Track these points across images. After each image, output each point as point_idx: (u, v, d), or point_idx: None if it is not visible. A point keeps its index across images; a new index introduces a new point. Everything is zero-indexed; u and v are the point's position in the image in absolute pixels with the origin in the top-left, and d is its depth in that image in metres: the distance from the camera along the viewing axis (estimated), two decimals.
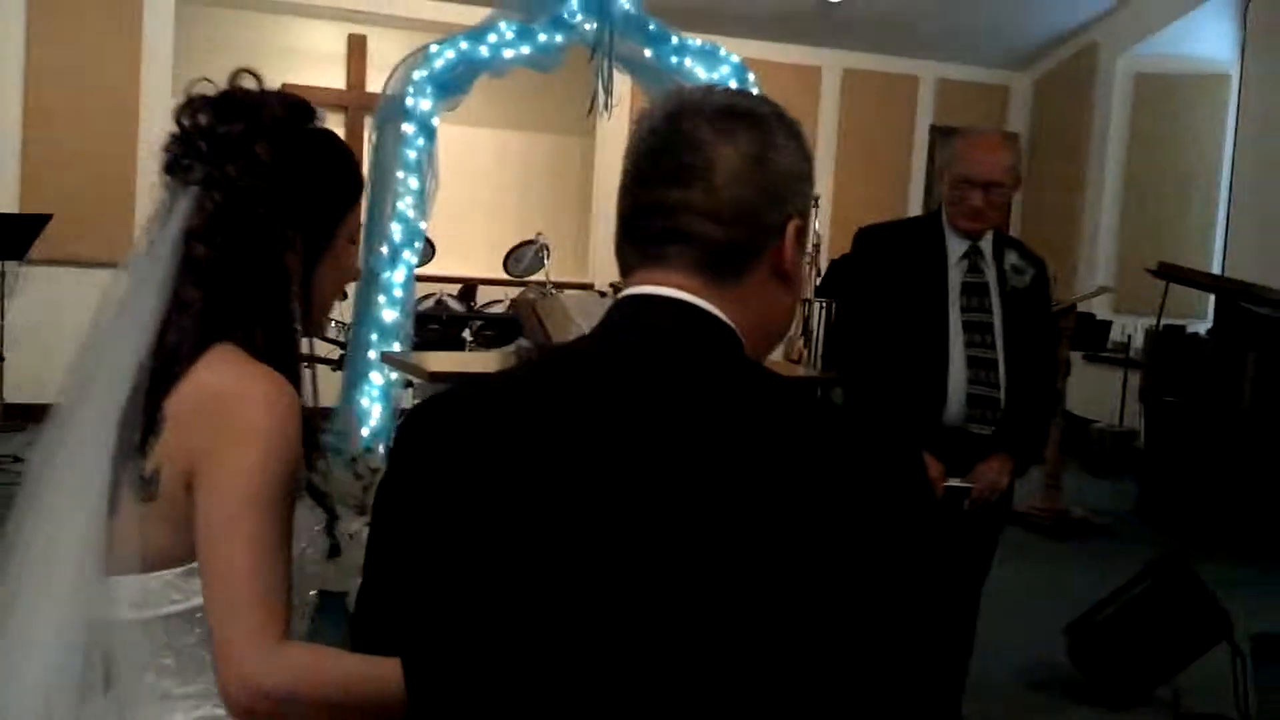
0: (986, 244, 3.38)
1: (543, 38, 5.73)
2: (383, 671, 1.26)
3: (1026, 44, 10.33)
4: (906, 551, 1.08)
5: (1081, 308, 7.55)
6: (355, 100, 9.17)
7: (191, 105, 1.54)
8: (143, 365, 1.46)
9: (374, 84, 8.09)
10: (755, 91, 1.16)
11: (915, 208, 10.14)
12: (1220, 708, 4.21)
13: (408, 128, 5.60)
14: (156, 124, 7.18)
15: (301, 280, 1.57)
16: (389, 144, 5.66)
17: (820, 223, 9.56)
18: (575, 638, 1.07)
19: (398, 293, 5.66)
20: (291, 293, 1.56)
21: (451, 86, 5.73)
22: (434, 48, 5.70)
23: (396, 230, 5.64)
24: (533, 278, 7.59)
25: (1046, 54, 10.48)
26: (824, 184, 10.03)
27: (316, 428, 1.55)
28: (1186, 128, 9.72)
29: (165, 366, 1.47)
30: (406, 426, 1.23)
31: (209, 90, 1.55)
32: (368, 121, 7.01)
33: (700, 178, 1.15)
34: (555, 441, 1.11)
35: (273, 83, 1.57)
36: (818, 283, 9.02)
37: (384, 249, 5.62)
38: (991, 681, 4.17)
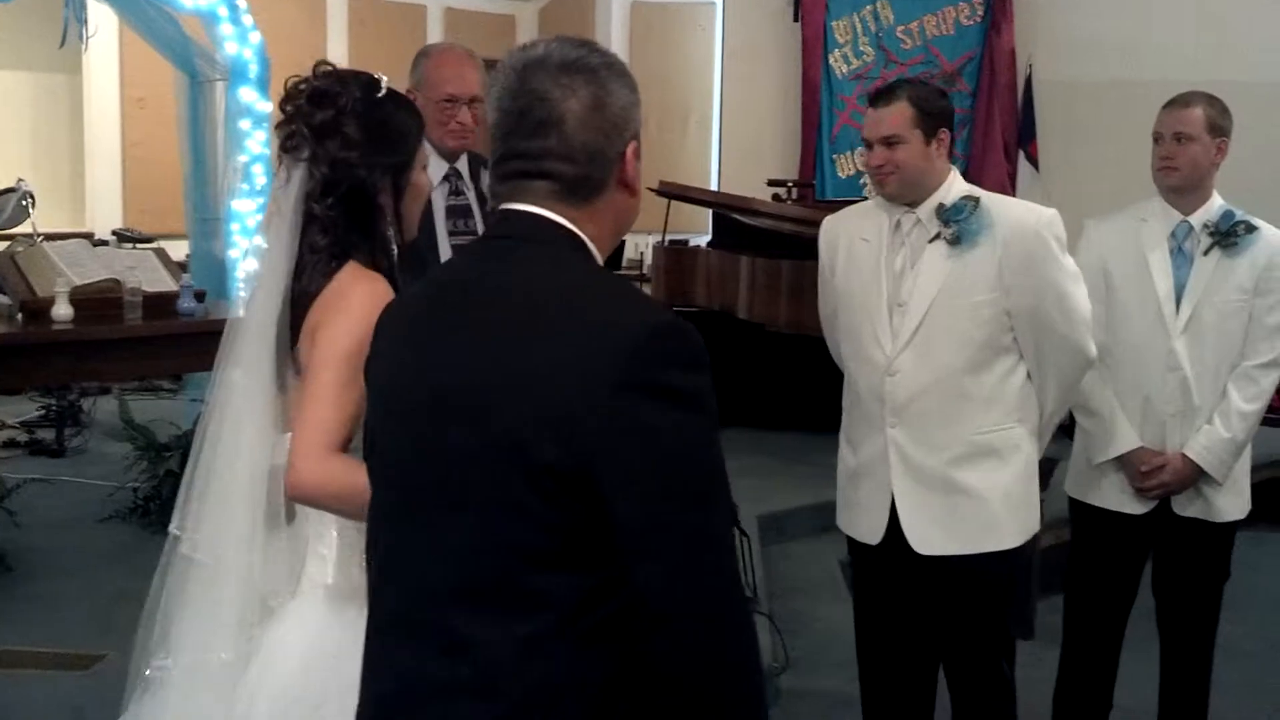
0: (463, 165, 3.25)
1: None
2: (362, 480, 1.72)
3: None
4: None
5: None
6: None
7: (290, 98, 2.07)
8: (285, 292, 2.04)
9: None
10: (584, 44, 1.52)
11: None
12: None
13: None
14: None
15: (394, 210, 2.12)
16: None
17: None
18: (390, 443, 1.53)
19: None
20: (387, 222, 2.12)
21: None
22: None
23: None
24: (17, 230, 6.90)
25: None
26: None
27: None
28: (681, 55, 10.33)
29: (303, 292, 2.04)
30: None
31: (299, 83, 2.08)
32: None
33: (555, 129, 1.44)
34: (419, 316, 1.53)
35: None
36: None
37: None
38: None
